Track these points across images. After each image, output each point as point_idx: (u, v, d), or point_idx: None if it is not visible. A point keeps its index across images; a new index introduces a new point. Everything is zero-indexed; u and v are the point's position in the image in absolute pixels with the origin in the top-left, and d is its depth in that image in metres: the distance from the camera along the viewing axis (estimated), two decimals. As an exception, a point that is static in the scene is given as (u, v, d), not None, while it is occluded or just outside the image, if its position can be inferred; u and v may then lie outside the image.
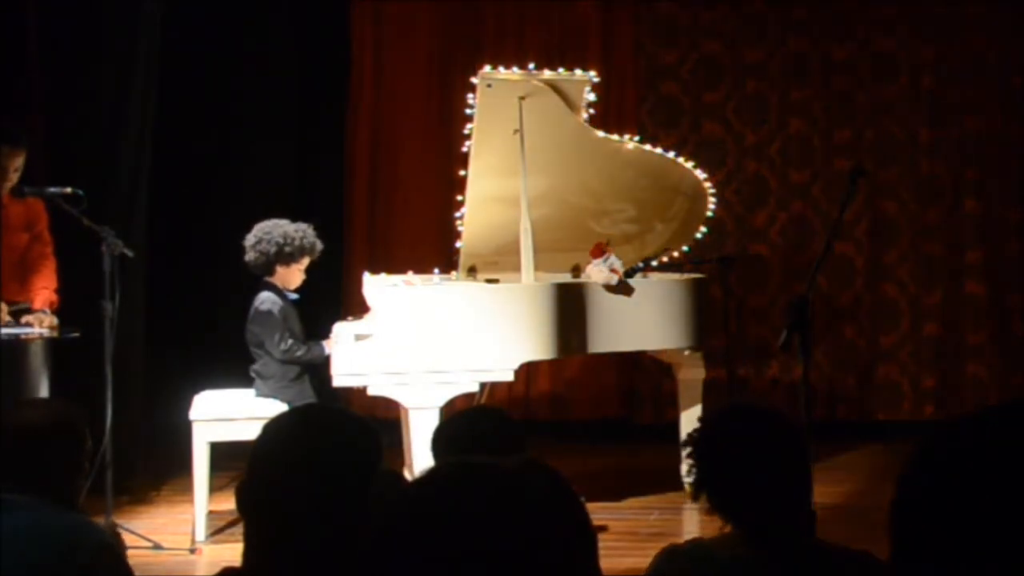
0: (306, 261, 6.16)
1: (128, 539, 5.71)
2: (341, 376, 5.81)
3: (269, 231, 6.08)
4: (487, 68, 6.20)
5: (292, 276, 6.14)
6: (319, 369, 6.11)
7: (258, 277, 6.16)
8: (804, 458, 2.46)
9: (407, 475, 6.29)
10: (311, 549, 2.07)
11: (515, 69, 6.33)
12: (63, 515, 2.91)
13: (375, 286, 6.36)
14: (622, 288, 6.22)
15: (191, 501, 5.91)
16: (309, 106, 8.50)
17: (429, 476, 1.33)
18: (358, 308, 6.72)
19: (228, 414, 5.91)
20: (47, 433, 3.09)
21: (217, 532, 5.97)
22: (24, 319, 5.68)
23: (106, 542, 2.87)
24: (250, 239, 6.10)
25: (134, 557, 5.63)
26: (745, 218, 8.50)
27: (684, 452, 2.56)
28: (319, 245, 6.19)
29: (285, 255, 6.08)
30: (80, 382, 5.88)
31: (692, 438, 2.50)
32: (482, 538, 1.24)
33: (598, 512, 6.15)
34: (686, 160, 6.76)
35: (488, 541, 1.24)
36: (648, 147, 6.70)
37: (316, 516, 2.07)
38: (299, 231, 6.11)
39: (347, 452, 2.14)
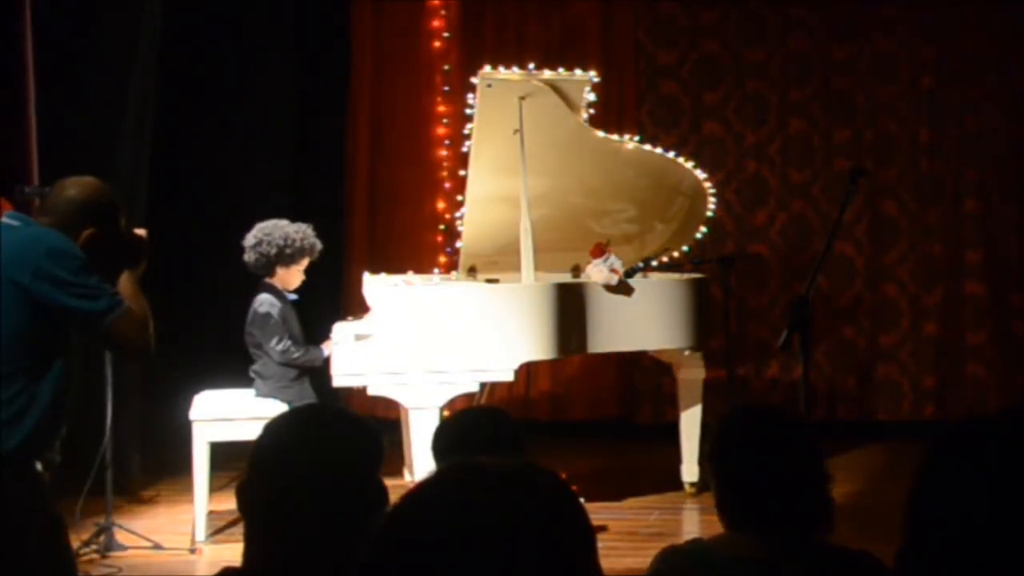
0: (306, 262, 6.16)
1: (128, 539, 5.73)
2: (341, 376, 5.81)
3: (270, 232, 6.07)
4: (487, 68, 6.20)
5: (292, 277, 6.14)
6: (319, 369, 6.11)
7: (257, 277, 6.16)
8: (818, 455, 2.45)
9: (407, 475, 6.30)
10: (311, 549, 2.07)
11: (515, 69, 6.33)
12: (43, 230, 3.42)
13: (375, 286, 6.36)
14: (622, 288, 6.22)
15: (191, 501, 5.91)
16: (309, 106, 8.50)
17: (433, 478, 1.33)
18: (358, 308, 6.72)
19: (228, 414, 5.91)
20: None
21: (217, 532, 5.97)
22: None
23: (57, 247, 3.33)
24: (250, 239, 6.09)
25: (134, 557, 5.66)
26: (745, 218, 8.51)
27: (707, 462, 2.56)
28: (318, 245, 6.18)
29: (286, 256, 6.07)
30: (80, 382, 5.87)
31: (711, 446, 2.51)
32: (485, 539, 1.24)
33: (598, 512, 6.15)
34: (686, 160, 6.76)
35: (491, 542, 1.24)
36: (648, 147, 6.70)
37: (316, 516, 2.08)
38: (299, 232, 6.10)
39: (347, 452, 2.14)
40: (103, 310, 3.34)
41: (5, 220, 3.39)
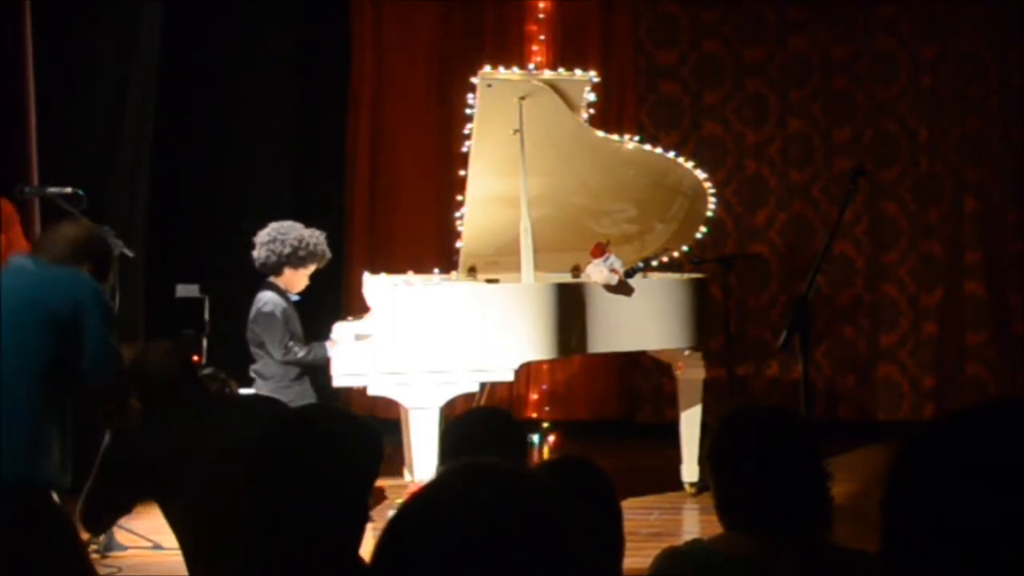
0: (313, 267, 6.17)
1: (128, 539, 5.73)
2: (341, 376, 5.80)
3: (285, 232, 6.08)
4: (487, 68, 6.20)
5: (298, 280, 6.15)
6: (319, 369, 6.11)
7: (260, 276, 6.15)
8: (818, 455, 2.45)
9: (407, 475, 6.30)
10: (311, 549, 2.07)
11: (515, 69, 6.33)
12: (76, 270, 3.63)
13: (375, 286, 6.36)
14: (622, 288, 6.22)
15: (191, 501, 5.90)
16: (309, 106, 8.50)
17: (440, 478, 1.33)
18: (358, 308, 6.72)
19: (228, 414, 5.90)
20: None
21: (217, 532, 5.96)
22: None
23: (98, 289, 3.61)
24: (263, 236, 6.09)
25: (134, 557, 5.65)
26: (745, 218, 8.51)
27: (705, 461, 2.55)
28: (329, 254, 6.21)
29: (297, 258, 6.08)
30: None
31: (709, 447, 2.50)
32: (494, 540, 1.24)
33: (598, 512, 6.13)
34: (686, 160, 6.76)
35: (500, 543, 1.24)
36: (648, 147, 6.70)
37: (316, 516, 2.08)
38: (314, 236, 6.12)
39: (347, 453, 2.14)
40: (103, 364, 3.60)
41: (21, 262, 3.64)
